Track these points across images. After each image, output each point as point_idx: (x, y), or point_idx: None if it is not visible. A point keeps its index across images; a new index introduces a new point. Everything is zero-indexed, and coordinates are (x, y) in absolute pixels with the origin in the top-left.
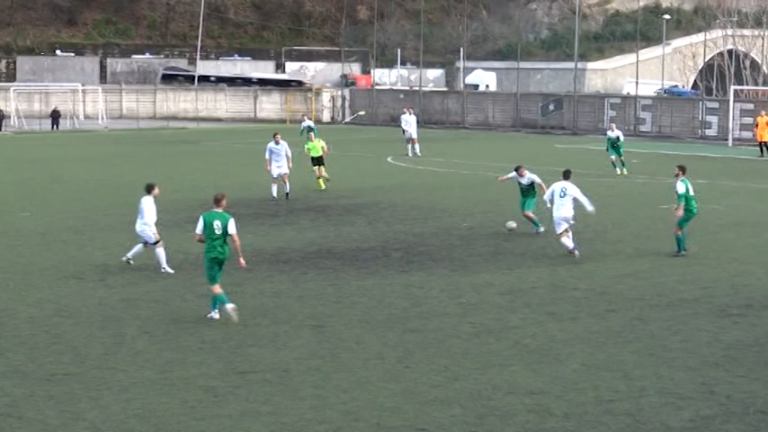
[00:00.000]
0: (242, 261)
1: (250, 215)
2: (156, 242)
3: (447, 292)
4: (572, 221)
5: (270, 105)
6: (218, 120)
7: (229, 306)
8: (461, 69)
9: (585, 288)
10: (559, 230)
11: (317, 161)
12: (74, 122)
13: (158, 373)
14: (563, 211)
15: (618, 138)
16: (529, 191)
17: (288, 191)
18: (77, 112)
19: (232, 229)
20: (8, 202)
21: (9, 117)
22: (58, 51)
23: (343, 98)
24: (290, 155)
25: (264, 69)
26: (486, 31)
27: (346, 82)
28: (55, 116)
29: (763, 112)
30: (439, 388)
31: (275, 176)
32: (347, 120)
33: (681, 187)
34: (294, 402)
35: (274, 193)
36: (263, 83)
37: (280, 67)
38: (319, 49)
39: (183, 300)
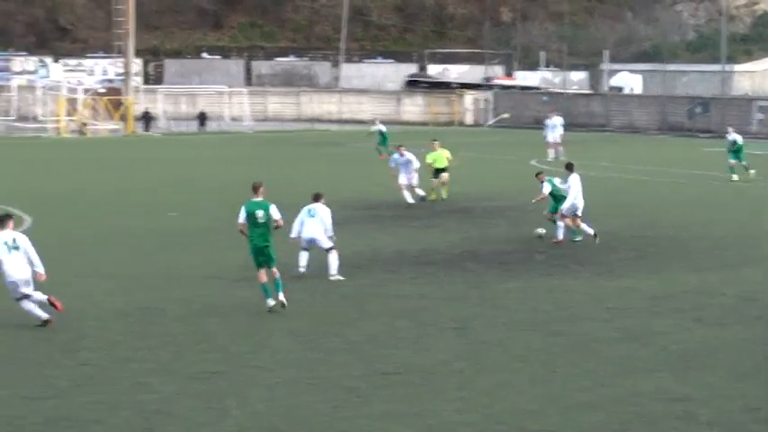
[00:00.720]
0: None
1: (392, 217)
2: (330, 248)
3: (591, 295)
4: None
5: (413, 108)
6: (362, 122)
7: (269, 301)
8: (606, 71)
9: (733, 294)
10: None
11: (440, 171)
12: (220, 124)
13: (303, 372)
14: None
15: (735, 141)
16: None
17: (423, 194)
18: (223, 113)
19: (276, 214)
20: (156, 203)
21: (156, 119)
22: (204, 54)
23: (487, 101)
24: (417, 165)
25: (408, 72)
26: (631, 33)
27: (489, 85)
28: (202, 118)
29: None
30: (583, 393)
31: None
32: (490, 122)
33: None
34: (437, 404)
35: (409, 200)
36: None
37: (422, 70)
38: (462, 51)
39: (327, 300)
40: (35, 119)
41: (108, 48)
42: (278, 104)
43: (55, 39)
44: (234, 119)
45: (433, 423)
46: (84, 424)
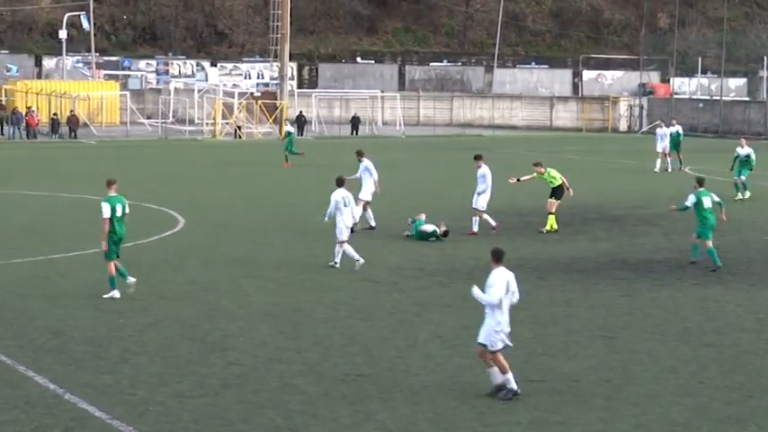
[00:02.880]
0: None
1: (541, 224)
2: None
3: (744, 306)
4: None
5: (566, 114)
6: (514, 128)
7: (124, 288)
8: (765, 78)
9: None
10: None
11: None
12: (372, 128)
13: (449, 377)
14: None
15: (748, 155)
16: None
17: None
18: (376, 118)
19: (127, 208)
20: (308, 205)
21: (310, 122)
22: (358, 58)
23: (641, 107)
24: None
25: (562, 78)
26: None
27: (644, 91)
28: (355, 122)
29: None
30: (733, 405)
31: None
32: (644, 129)
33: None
34: (583, 413)
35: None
36: None
37: (576, 76)
38: (617, 57)
39: (475, 306)
40: (192, 121)
41: (264, 52)
42: (430, 109)
43: (212, 43)
44: (386, 123)
45: (577, 431)
46: (232, 422)
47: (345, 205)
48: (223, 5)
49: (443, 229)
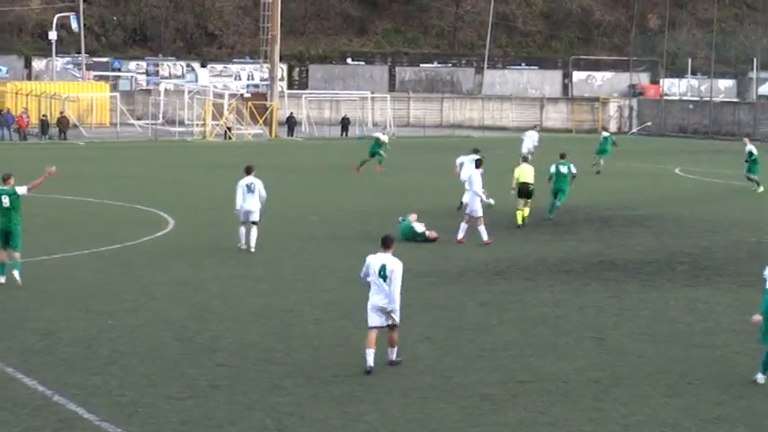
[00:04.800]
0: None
1: (531, 224)
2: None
3: (734, 308)
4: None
5: (556, 115)
6: (504, 129)
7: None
8: (754, 79)
9: None
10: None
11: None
12: (362, 129)
13: (438, 378)
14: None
15: (750, 153)
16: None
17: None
18: (366, 119)
19: (22, 190)
20: (298, 207)
21: (300, 123)
22: (348, 60)
23: (631, 108)
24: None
25: (552, 79)
26: None
27: (634, 92)
28: (344, 123)
29: None
30: (723, 406)
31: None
32: (634, 130)
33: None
34: (572, 414)
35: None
36: None
37: (566, 77)
38: (607, 58)
39: (463, 307)
40: (182, 123)
41: (254, 53)
42: (420, 110)
43: (203, 44)
44: (376, 124)
45: None
46: (220, 424)
47: (251, 191)
48: (213, 6)
49: (434, 235)
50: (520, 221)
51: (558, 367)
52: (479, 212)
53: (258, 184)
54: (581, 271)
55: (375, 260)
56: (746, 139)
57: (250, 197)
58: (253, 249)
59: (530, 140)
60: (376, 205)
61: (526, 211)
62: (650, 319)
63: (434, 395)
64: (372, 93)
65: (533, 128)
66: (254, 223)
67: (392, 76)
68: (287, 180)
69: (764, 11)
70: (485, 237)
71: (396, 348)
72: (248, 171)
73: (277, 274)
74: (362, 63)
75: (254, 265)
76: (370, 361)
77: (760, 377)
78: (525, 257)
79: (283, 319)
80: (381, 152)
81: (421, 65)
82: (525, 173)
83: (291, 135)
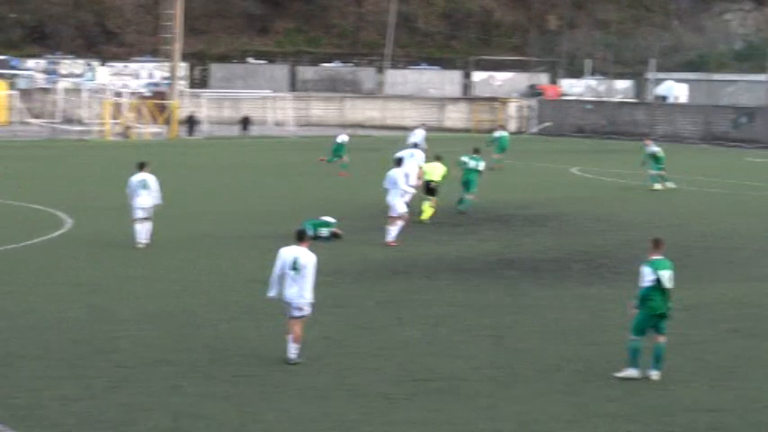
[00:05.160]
0: None
1: (431, 223)
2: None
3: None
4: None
5: (456, 115)
6: (405, 128)
7: None
8: (651, 80)
9: None
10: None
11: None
12: (263, 129)
13: (336, 377)
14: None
15: (654, 154)
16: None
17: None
18: (267, 118)
19: None
20: (197, 207)
21: (201, 123)
22: (249, 59)
23: (530, 108)
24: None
25: (452, 79)
26: (678, 42)
27: (534, 92)
28: (245, 122)
29: None
30: (617, 402)
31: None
32: (533, 130)
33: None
34: (469, 412)
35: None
36: None
37: (467, 77)
38: (507, 58)
39: (362, 306)
40: (80, 122)
41: (155, 52)
42: (321, 110)
43: (102, 42)
44: (277, 124)
45: (463, 430)
46: (115, 425)
47: (145, 188)
48: (113, 4)
49: (338, 232)
50: (424, 217)
51: (455, 366)
52: (398, 212)
53: (151, 181)
54: (479, 270)
55: (287, 253)
56: (648, 141)
57: (144, 193)
58: (147, 241)
59: (416, 139)
60: (282, 205)
61: (430, 209)
62: (546, 318)
63: (332, 394)
64: (274, 92)
65: (421, 126)
66: (147, 219)
67: (293, 76)
68: (187, 179)
69: (661, 13)
70: (390, 237)
71: (298, 346)
72: (141, 167)
73: (176, 275)
74: (264, 62)
75: (151, 265)
76: (292, 354)
77: (631, 372)
78: (424, 257)
79: (181, 320)
80: (342, 155)
81: (322, 64)
82: (432, 170)
83: (191, 134)
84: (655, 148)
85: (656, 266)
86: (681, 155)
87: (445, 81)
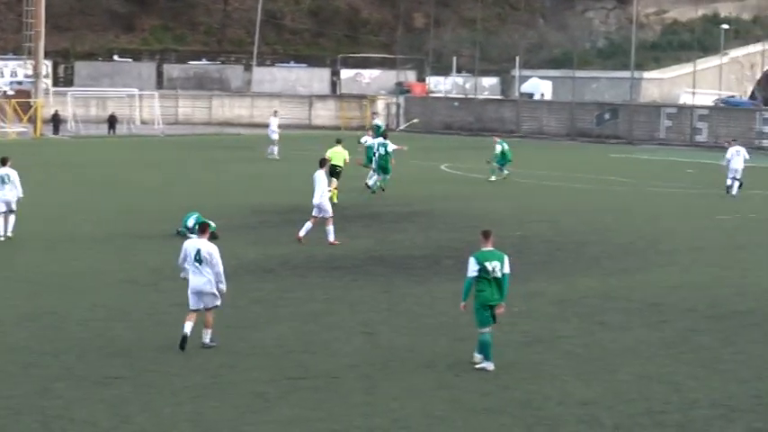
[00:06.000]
0: None
1: (302, 221)
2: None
3: None
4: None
5: (325, 112)
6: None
7: None
8: (517, 77)
9: (638, 299)
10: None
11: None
12: (130, 127)
13: (209, 377)
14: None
15: (502, 153)
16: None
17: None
18: (134, 117)
19: None
20: (64, 207)
21: (66, 121)
22: (115, 57)
23: (398, 106)
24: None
25: (320, 77)
26: (543, 40)
27: (401, 90)
28: (111, 121)
29: None
30: (489, 397)
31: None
32: (401, 127)
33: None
34: (344, 409)
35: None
36: None
37: (335, 75)
38: (375, 56)
39: (235, 305)
40: None
41: (18, 50)
42: (189, 108)
43: None
44: (144, 122)
45: (339, 428)
46: None
47: (6, 182)
48: None
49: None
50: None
51: (329, 363)
52: (329, 213)
53: (13, 175)
54: (351, 267)
55: (190, 245)
56: (496, 139)
57: (6, 188)
58: (10, 234)
59: (272, 127)
60: (150, 203)
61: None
62: (418, 314)
63: (206, 394)
64: (140, 90)
65: (273, 114)
66: (11, 212)
67: (160, 74)
68: (51, 178)
69: (526, 11)
70: (331, 237)
71: (210, 330)
72: (3, 162)
73: (42, 275)
74: (130, 60)
75: (17, 265)
76: (187, 329)
77: (479, 359)
78: (296, 255)
79: (49, 321)
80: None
81: (189, 62)
82: (337, 155)
83: (57, 133)
84: (503, 146)
85: (482, 258)
86: (546, 151)
87: (313, 79)
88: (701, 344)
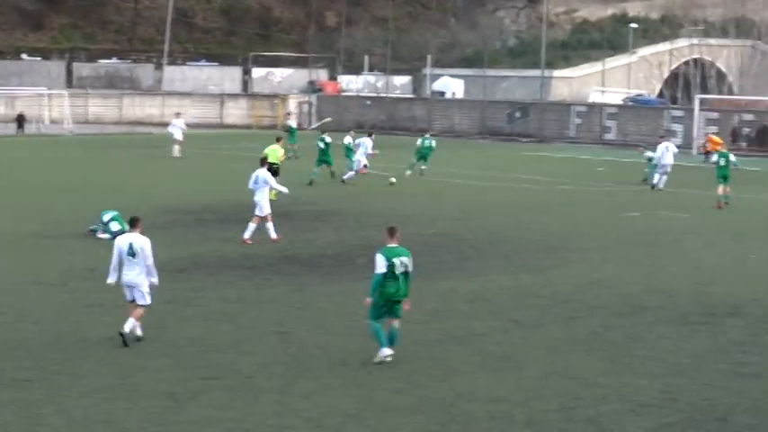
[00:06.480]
0: None
1: (214, 221)
2: None
3: (411, 298)
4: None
5: (236, 111)
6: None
7: None
8: (428, 76)
9: (549, 296)
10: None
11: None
12: (39, 127)
13: (120, 378)
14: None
15: (429, 146)
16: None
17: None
18: (43, 116)
19: None
20: None
21: None
22: (24, 55)
23: (310, 104)
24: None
25: (232, 76)
26: (454, 39)
27: (313, 88)
28: (20, 120)
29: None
30: (402, 395)
31: None
32: (314, 126)
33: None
34: (257, 408)
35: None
36: None
37: (246, 73)
38: (286, 54)
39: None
40: None
41: None
42: (99, 107)
43: None
44: (54, 121)
45: (251, 427)
46: None
47: None
48: None
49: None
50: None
51: (241, 363)
52: (267, 210)
53: None
54: (263, 266)
55: (122, 241)
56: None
57: None
58: None
59: (176, 128)
60: (59, 204)
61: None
62: (331, 312)
63: (117, 395)
64: (49, 89)
65: (176, 115)
66: None
67: (70, 73)
68: None
69: (437, 10)
70: (273, 234)
71: (140, 323)
72: None
73: None
74: (39, 59)
75: None
76: (127, 327)
77: (385, 352)
78: (207, 254)
79: None
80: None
81: (100, 61)
82: (272, 152)
83: None
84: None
85: (389, 254)
86: (458, 149)
87: (225, 77)
88: (612, 340)
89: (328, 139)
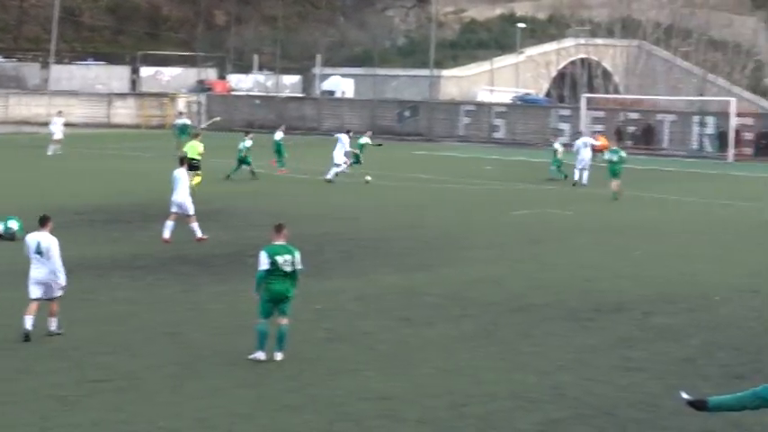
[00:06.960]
0: None
1: (103, 221)
2: None
3: (300, 297)
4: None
5: (125, 111)
6: (72, 125)
7: None
8: (318, 75)
9: (439, 293)
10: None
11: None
12: None
13: (6, 382)
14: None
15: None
16: None
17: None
18: None
19: None
20: None
21: None
22: None
23: (200, 104)
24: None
25: (120, 75)
26: (343, 38)
27: (202, 88)
28: None
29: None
30: (292, 394)
31: None
32: (203, 126)
33: None
34: (148, 410)
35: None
36: None
37: (135, 72)
38: (175, 53)
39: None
40: None
41: None
42: None
43: None
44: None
45: (143, 429)
46: None
47: None
48: None
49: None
50: (195, 184)
51: (132, 364)
52: (191, 210)
53: None
54: (154, 266)
55: (31, 238)
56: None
57: None
58: None
59: (56, 126)
60: None
61: (196, 179)
62: (222, 312)
63: (3, 400)
64: None
65: (58, 114)
66: None
67: None
68: None
69: (327, 9)
70: (198, 233)
71: (56, 319)
72: None
73: None
74: None
75: None
76: (28, 325)
77: (259, 355)
78: (96, 255)
79: None
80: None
81: None
82: (192, 148)
83: None
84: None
85: (272, 251)
86: None
87: (113, 76)
88: (501, 337)
89: (249, 143)
